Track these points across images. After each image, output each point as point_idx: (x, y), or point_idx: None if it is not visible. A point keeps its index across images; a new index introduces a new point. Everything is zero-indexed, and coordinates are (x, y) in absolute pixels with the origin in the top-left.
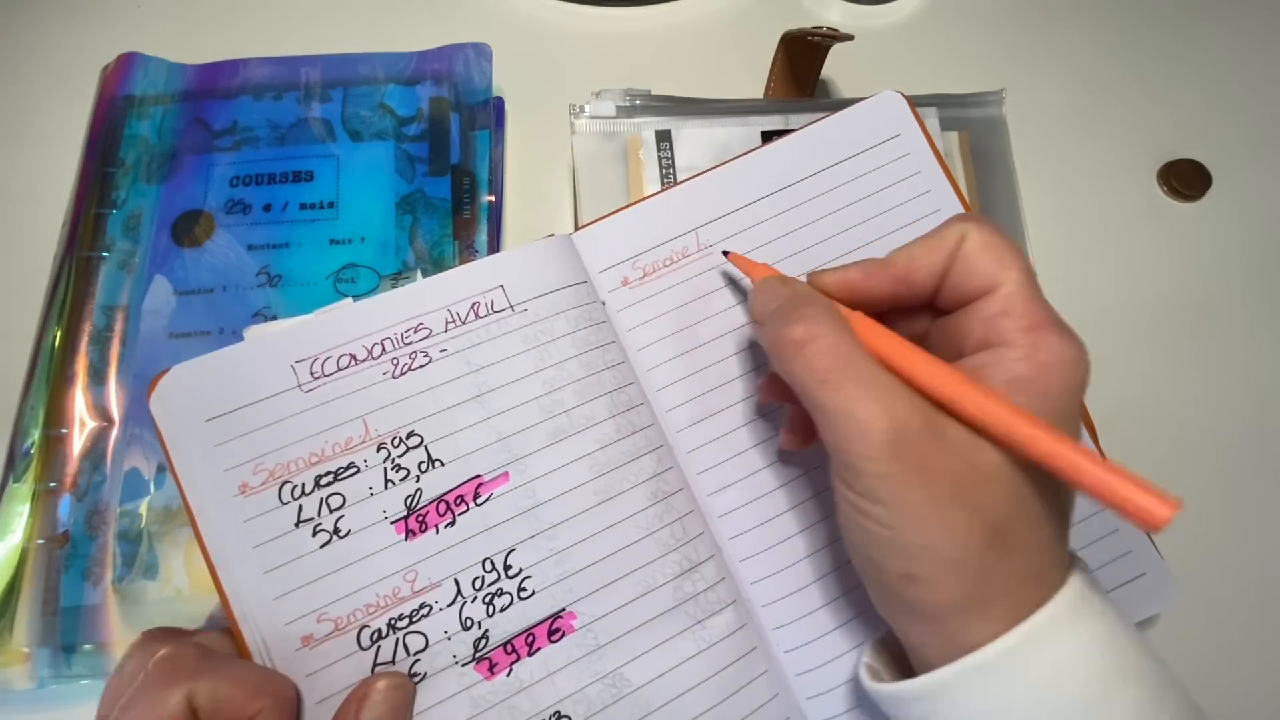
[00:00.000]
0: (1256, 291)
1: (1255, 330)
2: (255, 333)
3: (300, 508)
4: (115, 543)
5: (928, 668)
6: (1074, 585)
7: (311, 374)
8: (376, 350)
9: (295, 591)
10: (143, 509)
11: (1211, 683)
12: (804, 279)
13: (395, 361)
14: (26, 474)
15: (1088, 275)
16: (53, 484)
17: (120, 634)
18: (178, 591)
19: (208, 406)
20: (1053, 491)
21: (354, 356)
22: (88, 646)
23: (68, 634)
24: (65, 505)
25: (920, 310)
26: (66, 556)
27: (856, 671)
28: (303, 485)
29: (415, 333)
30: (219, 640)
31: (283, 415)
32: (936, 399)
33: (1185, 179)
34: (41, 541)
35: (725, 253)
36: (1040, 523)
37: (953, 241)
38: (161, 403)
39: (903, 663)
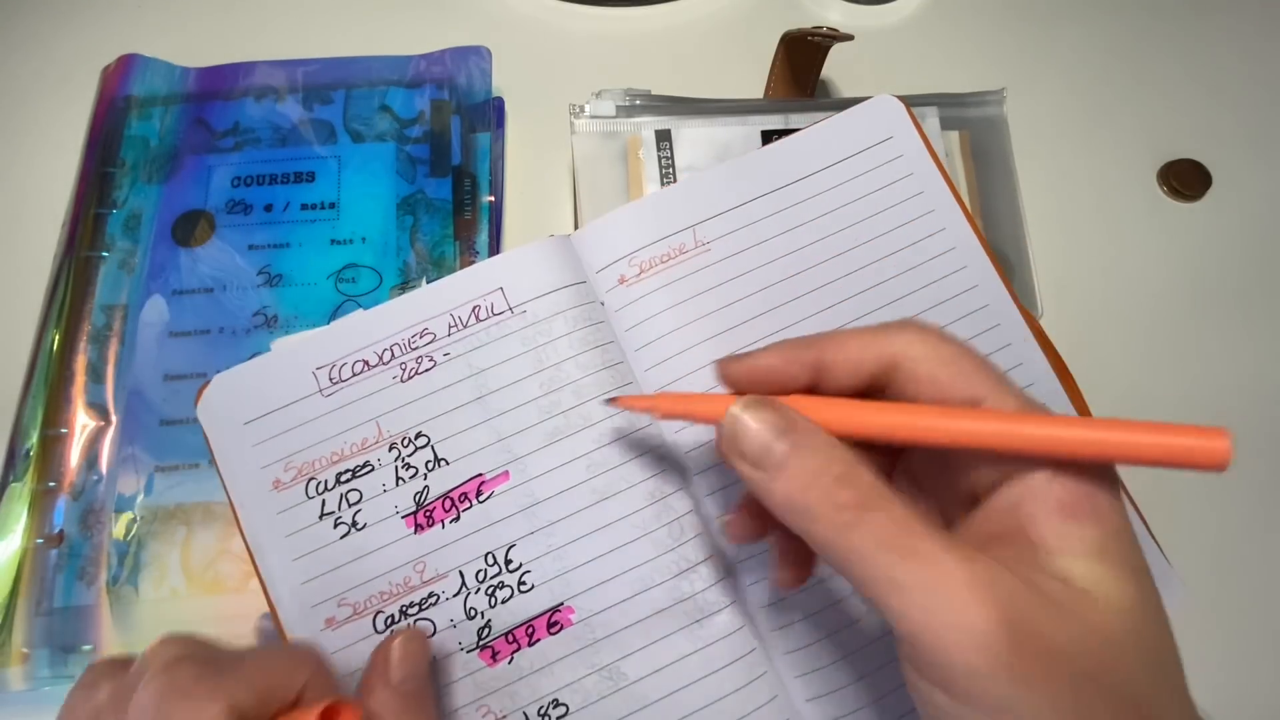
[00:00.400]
0: (1256, 291)
1: (1255, 329)
2: (281, 344)
3: (324, 502)
4: (110, 543)
5: None
6: None
7: (330, 379)
8: (386, 356)
9: (320, 577)
10: (138, 509)
11: (1217, 681)
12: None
13: (404, 366)
14: (26, 474)
15: (1088, 275)
16: (51, 484)
17: (112, 635)
18: (173, 592)
19: (245, 410)
20: (1165, 633)
21: (366, 362)
22: (86, 647)
23: (65, 634)
24: (61, 505)
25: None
26: (61, 556)
27: None
28: (325, 481)
29: (421, 338)
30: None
31: (307, 418)
32: (981, 443)
33: (1185, 179)
34: (40, 541)
35: (611, 401)
36: (1169, 678)
37: (888, 349)
38: (207, 408)
39: None
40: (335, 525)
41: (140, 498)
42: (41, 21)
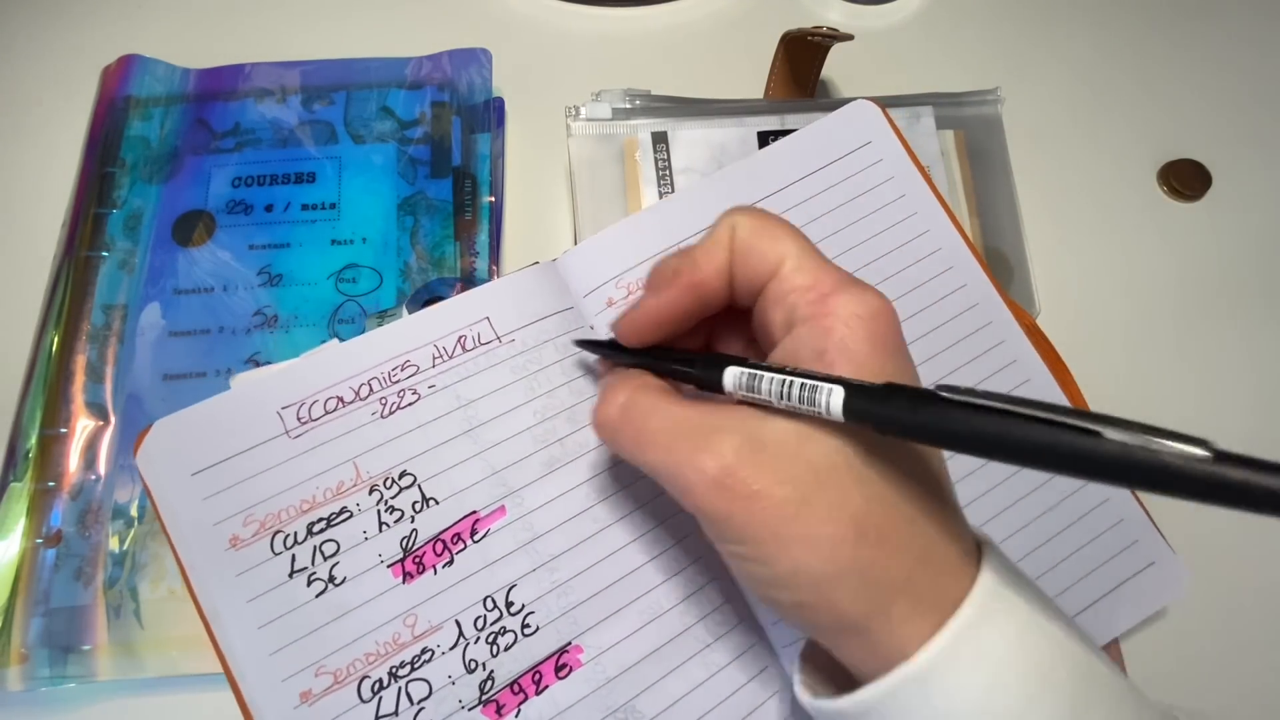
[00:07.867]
0: (1256, 291)
1: (1255, 329)
2: (241, 380)
3: (294, 557)
4: (108, 543)
5: (865, 679)
6: (988, 575)
7: (299, 419)
8: (364, 391)
9: (291, 645)
10: (135, 510)
11: (1222, 674)
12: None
13: (384, 401)
14: (25, 474)
15: (1087, 275)
16: (51, 483)
17: (109, 637)
18: (171, 592)
19: (193, 460)
20: (913, 464)
21: (341, 399)
22: (85, 647)
23: (64, 635)
24: (59, 504)
25: (743, 318)
26: (59, 556)
27: (794, 689)
28: (295, 534)
29: (402, 370)
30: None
31: (271, 464)
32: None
33: (1185, 179)
34: (39, 541)
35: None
36: (911, 503)
37: (726, 234)
38: (147, 457)
39: (840, 673)
40: (309, 582)
41: (138, 498)
42: (41, 21)
